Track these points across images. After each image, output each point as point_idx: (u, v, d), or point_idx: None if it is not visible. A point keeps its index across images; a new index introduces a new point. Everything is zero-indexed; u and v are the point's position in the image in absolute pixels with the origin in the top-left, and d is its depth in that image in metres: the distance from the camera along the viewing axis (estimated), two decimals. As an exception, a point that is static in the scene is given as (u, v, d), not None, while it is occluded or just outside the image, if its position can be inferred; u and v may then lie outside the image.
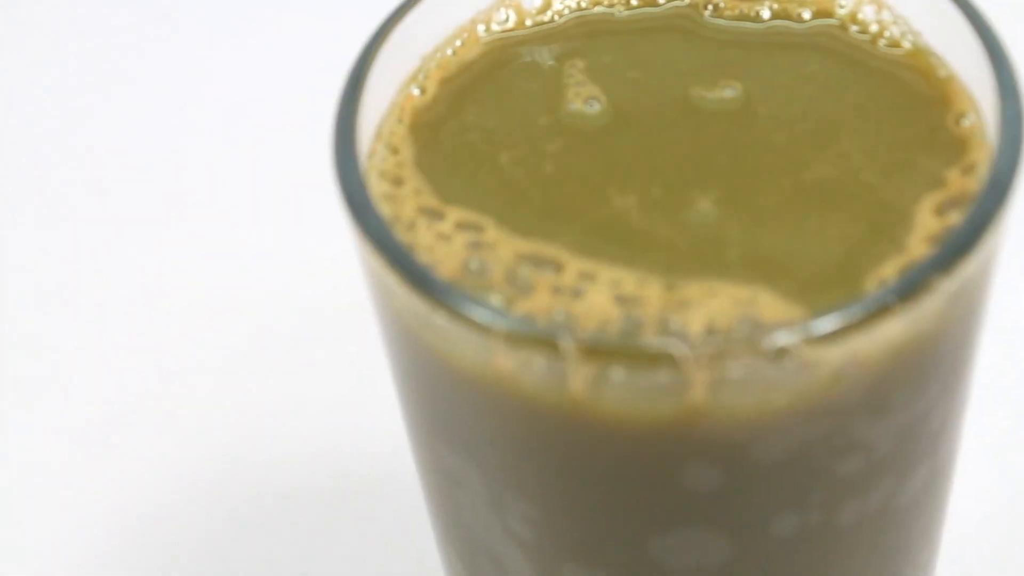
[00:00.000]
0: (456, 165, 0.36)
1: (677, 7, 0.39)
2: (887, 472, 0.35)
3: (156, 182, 0.68)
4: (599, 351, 0.31)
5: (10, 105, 0.73)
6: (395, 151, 0.37)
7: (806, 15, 0.39)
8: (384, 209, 0.35)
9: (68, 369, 0.62)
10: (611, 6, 0.39)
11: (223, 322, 0.62)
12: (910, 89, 0.37)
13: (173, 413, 0.61)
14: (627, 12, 0.39)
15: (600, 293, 0.33)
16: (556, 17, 0.39)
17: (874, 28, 0.38)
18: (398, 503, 0.57)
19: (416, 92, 0.38)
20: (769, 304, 0.33)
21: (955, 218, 0.34)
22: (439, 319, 0.32)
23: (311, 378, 0.60)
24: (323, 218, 0.62)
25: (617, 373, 0.31)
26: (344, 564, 0.56)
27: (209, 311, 0.63)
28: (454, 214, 0.35)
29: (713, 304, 0.33)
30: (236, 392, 0.61)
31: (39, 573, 0.56)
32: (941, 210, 0.34)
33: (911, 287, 0.31)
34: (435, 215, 0.35)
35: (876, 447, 0.34)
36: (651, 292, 0.33)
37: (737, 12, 0.39)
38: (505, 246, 0.34)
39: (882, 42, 0.38)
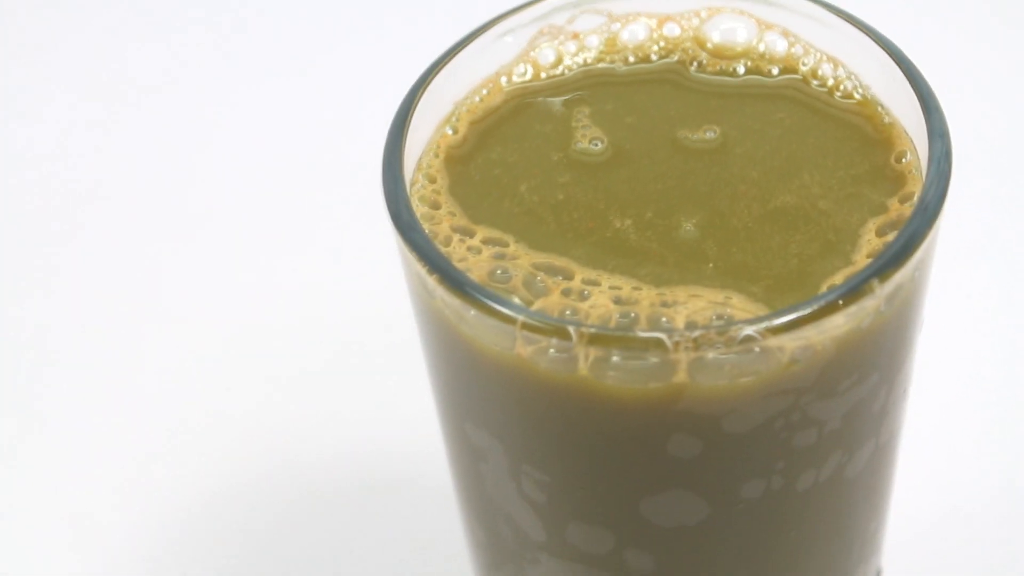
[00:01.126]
0: (483, 192, 0.44)
1: (667, 64, 0.47)
2: (837, 446, 0.42)
3: (213, 209, 0.74)
4: (602, 338, 0.38)
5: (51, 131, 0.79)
6: (432, 180, 0.44)
7: (774, 71, 0.46)
8: (424, 226, 0.43)
9: (111, 376, 0.67)
10: (612, 62, 0.47)
11: (262, 332, 0.68)
12: (860, 132, 0.45)
13: (212, 415, 0.65)
14: (625, 67, 0.47)
15: (602, 295, 0.41)
16: (566, 71, 0.47)
17: (831, 82, 0.46)
18: (421, 501, 0.63)
19: (449, 132, 0.46)
20: (739, 304, 0.40)
21: (893, 238, 0.42)
22: (472, 314, 0.39)
23: (343, 387, 0.66)
24: (356, 241, 0.69)
25: (616, 357, 0.39)
26: (373, 555, 0.61)
27: (246, 322, 0.68)
28: (482, 232, 0.43)
29: (694, 304, 0.40)
30: (272, 398, 0.66)
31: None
32: (881, 232, 0.42)
33: (852, 289, 0.39)
34: (466, 232, 0.43)
35: (827, 423, 0.41)
36: (644, 295, 0.41)
37: (717, 68, 0.47)
38: (524, 258, 0.42)
39: (837, 94, 0.46)
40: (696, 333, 0.38)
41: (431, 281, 0.40)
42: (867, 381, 0.41)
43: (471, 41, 0.46)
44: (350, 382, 0.66)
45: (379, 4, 0.81)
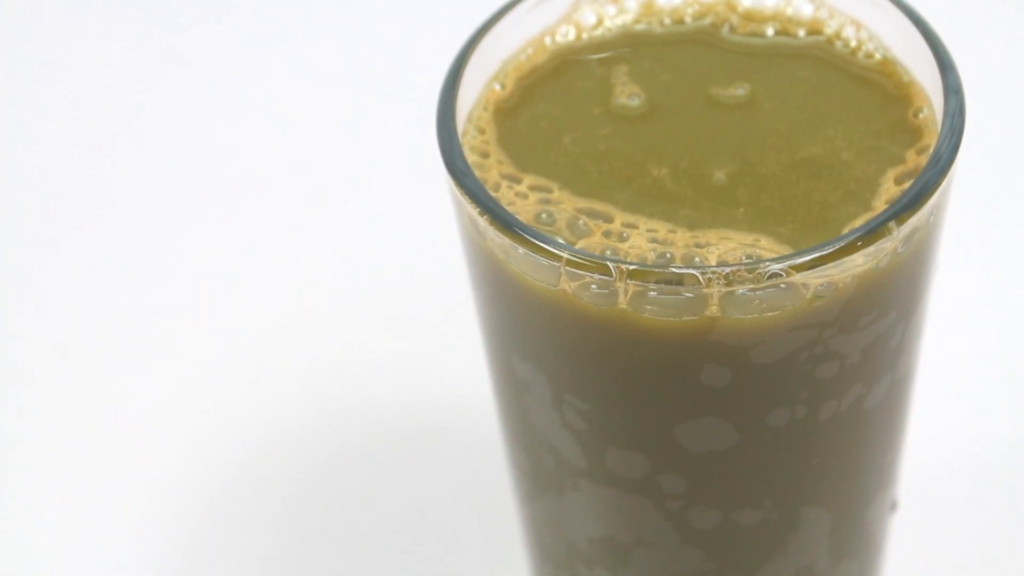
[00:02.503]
0: (529, 143, 0.47)
1: (700, 25, 0.50)
2: (856, 379, 0.46)
3: (265, 159, 0.77)
4: (640, 273, 0.42)
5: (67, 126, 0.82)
6: (482, 131, 0.48)
7: (801, 33, 0.50)
8: (475, 174, 0.46)
9: (149, 349, 0.70)
10: (649, 24, 0.50)
11: (313, 283, 0.71)
12: (880, 90, 0.48)
13: (263, 363, 0.69)
14: (661, 29, 0.50)
15: (640, 237, 0.44)
16: (606, 32, 0.50)
17: (853, 43, 0.49)
18: (469, 446, 0.66)
19: (498, 87, 0.49)
20: (767, 245, 0.44)
21: (909, 185, 0.45)
22: (520, 252, 0.43)
23: (391, 340, 0.69)
24: (408, 199, 0.72)
25: (653, 291, 0.42)
26: (413, 499, 0.65)
27: (297, 273, 0.71)
28: (528, 179, 0.46)
29: (725, 245, 0.44)
30: (319, 350, 0.70)
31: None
32: (900, 180, 0.45)
33: (871, 231, 0.42)
34: (514, 180, 0.46)
35: (847, 357, 0.45)
36: (679, 237, 0.44)
37: (748, 30, 0.50)
38: (567, 203, 0.45)
39: (860, 54, 0.49)
40: (727, 270, 0.41)
41: (482, 222, 0.44)
42: (885, 318, 0.45)
43: (518, 3, 0.49)
44: (397, 338, 0.69)
45: None
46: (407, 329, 0.70)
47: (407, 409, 0.68)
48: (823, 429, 0.46)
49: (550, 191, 0.46)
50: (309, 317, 0.71)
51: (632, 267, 0.42)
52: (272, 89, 0.81)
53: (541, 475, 0.51)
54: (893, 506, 0.53)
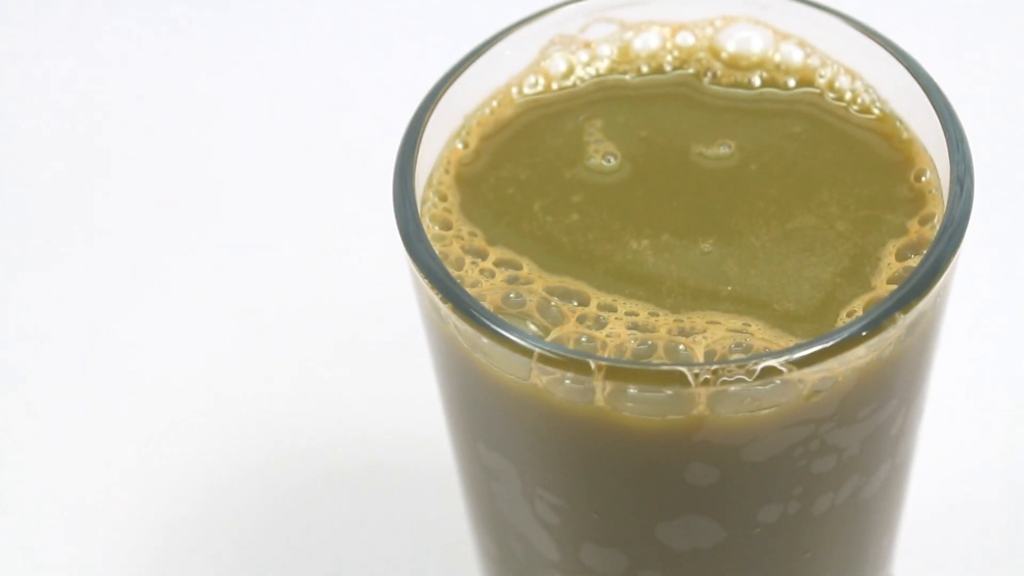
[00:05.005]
0: (495, 212, 0.43)
1: (680, 75, 0.46)
2: (855, 470, 0.42)
3: (220, 219, 0.73)
4: (620, 372, 0.38)
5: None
6: (443, 198, 0.44)
7: (791, 83, 0.46)
8: (436, 247, 0.42)
9: (120, 363, 0.67)
10: (624, 73, 0.46)
11: (271, 320, 0.68)
12: (878, 149, 0.44)
13: (217, 400, 0.66)
14: (638, 79, 0.46)
15: (618, 322, 0.40)
16: (578, 82, 0.46)
17: (848, 95, 0.45)
18: (431, 491, 0.63)
19: (460, 146, 0.45)
20: (759, 332, 0.40)
21: (914, 262, 0.41)
22: (486, 343, 0.39)
23: (352, 375, 0.66)
24: (361, 233, 0.68)
25: (634, 389, 0.38)
26: (379, 548, 0.61)
27: (256, 311, 0.68)
28: (495, 254, 0.42)
29: (713, 332, 0.40)
30: (276, 385, 0.66)
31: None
32: (902, 255, 0.41)
33: (875, 322, 0.38)
34: (479, 254, 0.42)
35: (846, 450, 0.41)
36: (661, 322, 0.40)
37: (732, 80, 0.46)
38: (538, 282, 0.41)
39: (854, 107, 0.45)
40: (716, 366, 0.37)
41: (444, 308, 0.39)
42: (887, 407, 0.41)
43: (483, 52, 0.45)
44: (358, 370, 0.66)
45: (386, 17, 0.80)
46: (366, 359, 0.67)
47: (368, 445, 0.65)
48: (817, 522, 0.43)
49: (519, 267, 0.42)
50: (266, 349, 0.67)
51: (611, 364, 0.38)
52: (217, 124, 0.76)
53: (510, 562, 0.47)
54: (888, 585, 0.50)
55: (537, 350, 0.38)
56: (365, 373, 0.66)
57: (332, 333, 0.68)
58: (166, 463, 0.64)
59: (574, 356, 0.38)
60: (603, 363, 0.38)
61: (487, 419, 0.42)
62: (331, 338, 0.68)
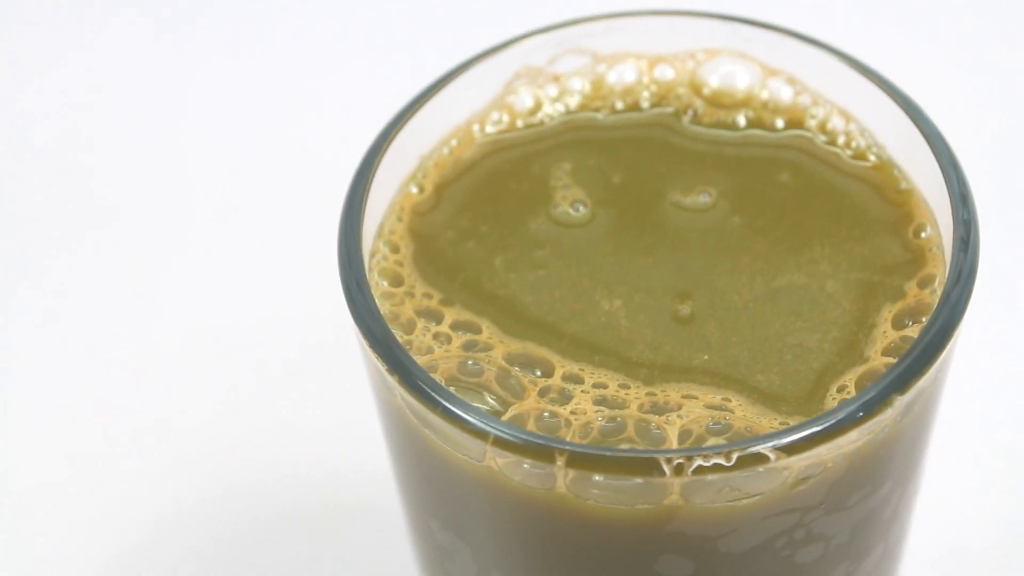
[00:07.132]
0: (452, 266, 0.39)
1: (658, 113, 0.42)
2: (843, 558, 0.38)
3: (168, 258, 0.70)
4: (585, 460, 0.34)
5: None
6: (395, 250, 0.40)
7: (779, 123, 0.42)
8: (384, 307, 0.38)
9: (67, 391, 0.64)
10: (597, 110, 0.42)
11: (223, 356, 0.64)
12: (873, 201, 0.40)
13: (168, 438, 0.63)
14: (612, 117, 0.42)
15: (585, 396, 0.36)
16: (546, 119, 0.42)
17: (841, 139, 0.41)
18: (384, 532, 0.60)
19: (414, 190, 0.41)
20: (739, 409, 0.36)
21: (912, 331, 0.37)
22: (436, 420, 0.35)
23: (305, 413, 0.62)
24: (315, 268, 0.64)
25: (599, 477, 0.34)
26: None
27: (209, 345, 0.65)
28: (451, 315, 0.38)
29: (689, 409, 0.36)
30: (230, 421, 0.63)
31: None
32: (899, 322, 0.37)
33: (869, 404, 0.34)
34: (432, 317, 0.38)
35: (834, 537, 0.37)
36: (632, 396, 0.36)
37: (714, 119, 0.42)
38: (498, 348, 0.37)
39: (848, 152, 0.41)
40: (692, 453, 0.33)
41: (391, 380, 0.35)
42: (880, 491, 0.37)
43: (442, 87, 0.41)
44: (312, 403, 0.63)
45: (346, 45, 0.76)
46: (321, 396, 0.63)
47: (317, 485, 0.61)
48: (803, 613, 0.39)
49: (477, 331, 0.38)
50: (218, 384, 0.64)
51: (574, 450, 0.34)
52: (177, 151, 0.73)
53: (467, 642, 0.43)
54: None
55: (493, 432, 0.34)
56: (322, 407, 0.63)
57: (291, 366, 0.65)
58: (104, 508, 0.60)
59: (533, 441, 0.34)
60: (565, 449, 0.34)
61: (440, 497, 0.38)
62: (290, 371, 0.64)
